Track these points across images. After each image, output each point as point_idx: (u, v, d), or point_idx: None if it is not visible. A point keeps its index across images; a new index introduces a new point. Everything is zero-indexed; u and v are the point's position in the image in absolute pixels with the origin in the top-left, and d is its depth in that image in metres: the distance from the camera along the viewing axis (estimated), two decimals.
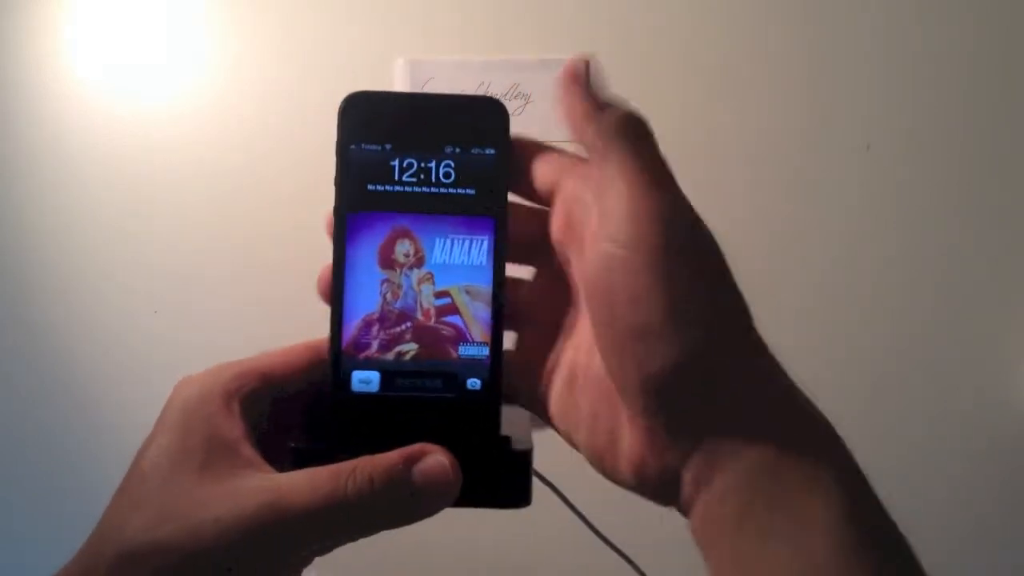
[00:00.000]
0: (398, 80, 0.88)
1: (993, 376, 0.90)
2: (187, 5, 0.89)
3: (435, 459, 0.30)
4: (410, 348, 0.33)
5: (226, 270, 0.91)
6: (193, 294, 0.91)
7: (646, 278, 0.28)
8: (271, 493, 0.29)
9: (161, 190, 0.91)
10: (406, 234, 0.33)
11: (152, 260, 0.91)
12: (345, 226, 0.33)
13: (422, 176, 0.33)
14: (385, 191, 0.33)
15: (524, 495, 0.32)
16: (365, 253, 0.33)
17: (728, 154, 0.89)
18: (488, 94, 0.88)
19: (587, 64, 0.34)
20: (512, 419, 0.34)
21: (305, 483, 0.29)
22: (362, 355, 0.33)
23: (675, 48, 0.89)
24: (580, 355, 0.33)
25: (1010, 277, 0.89)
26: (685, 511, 0.30)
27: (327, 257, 0.34)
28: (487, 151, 0.34)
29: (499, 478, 0.32)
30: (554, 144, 0.34)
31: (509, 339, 0.35)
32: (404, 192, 0.33)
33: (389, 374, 0.33)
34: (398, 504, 0.30)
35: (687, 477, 0.29)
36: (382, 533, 0.30)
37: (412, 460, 0.30)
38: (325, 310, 0.34)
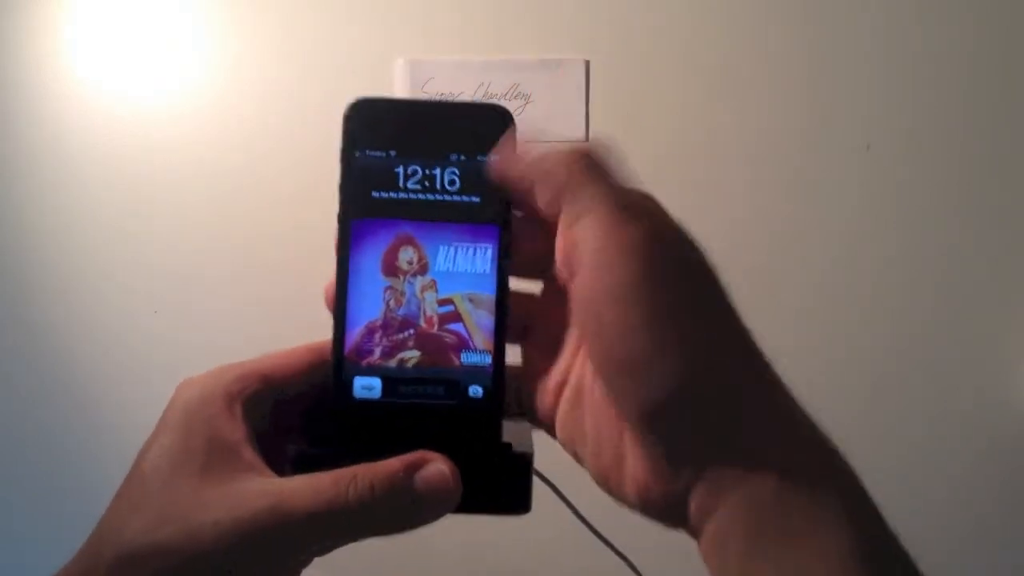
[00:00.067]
0: (398, 80, 0.88)
1: (993, 376, 0.90)
2: (187, 5, 0.89)
3: (436, 467, 0.30)
4: (412, 355, 0.33)
5: (226, 270, 0.91)
6: (193, 294, 0.91)
7: (629, 312, 0.28)
8: (272, 497, 0.29)
9: (161, 190, 0.91)
10: (410, 241, 0.33)
11: (152, 260, 0.91)
12: (349, 233, 0.33)
13: (426, 183, 0.33)
14: (389, 198, 0.33)
15: (524, 502, 0.32)
16: (369, 260, 0.33)
17: (728, 154, 0.89)
18: (488, 94, 0.88)
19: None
20: (515, 430, 0.34)
21: (306, 488, 0.29)
22: (364, 361, 0.33)
23: (675, 48, 0.89)
24: (586, 373, 0.32)
25: (1010, 277, 0.89)
26: (693, 535, 0.29)
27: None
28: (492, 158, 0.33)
29: (499, 485, 0.32)
30: (555, 144, 0.34)
31: (516, 353, 0.35)
32: (408, 199, 0.33)
33: (391, 381, 0.33)
34: (398, 511, 0.30)
35: (692, 504, 0.28)
36: None
37: (413, 467, 0.30)
38: (325, 311, 0.34)
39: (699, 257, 0.31)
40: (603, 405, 0.31)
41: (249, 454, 0.31)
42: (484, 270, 0.33)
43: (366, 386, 0.33)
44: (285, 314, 0.89)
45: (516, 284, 0.34)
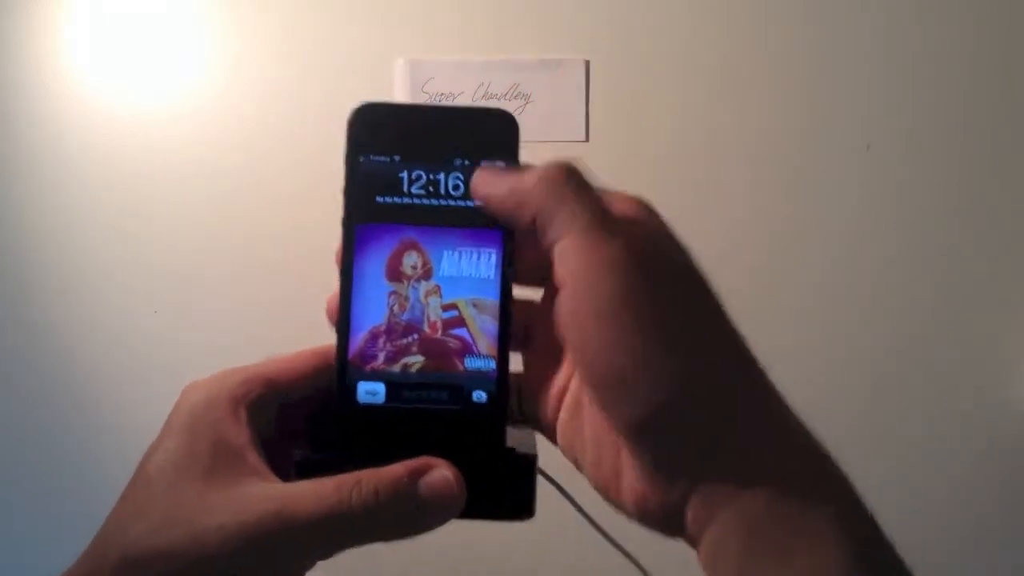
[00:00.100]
0: (398, 80, 0.88)
1: (993, 376, 0.90)
2: (187, 5, 0.89)
3: (440, 473, 0.30)
4: (416, 360, 0.33)
5: (226, 270, 0.91)
6: (193, 294, 0.91)
7: (610, 328, 0.28)
8: (275, 502, 0.29)
9: (161, 190, 0.91)
10: (414, 246, 0.33)
11: (152, 260, 0.91)
12: (353, 238, 0.33)
13: (431, 188, 0.33)
14: (394, 203, 0.33)
15: (528, 508, 0.33)
16: (373, 265, 0.33)
17: (728, 154, 0.89)
18: (488, 94, 0.88)
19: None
20: (519, 436, 0.34)
21: (310, 493, 0.29)
22: (368, 366, 0.33)
23: (675, 48, 0.89)
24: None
25: (1010, 277, 0.89)
26: (692, 545, 0.29)
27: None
28: (497, 163, 0.33)
29: (503, 491, 0.32)
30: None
31: (517, 360, 0.35)
32: (413, 204, 0.33)
33: (395, 386, 0.33)
34: (402, 517, 0.30)
35: (688, 516, 0.28)
36: None
37: (417, 473, 0.30)
38: (324, 311, 0.34)
39: (684, 267, 0.30)
40: (601, 415, 0.31)
41: (254, 458, 0.31)
42: (488, 275, 0.33)
43: (370, 391, 0.33)
44: (285, 314, 0.89)
45: (518, 291, 0.34)
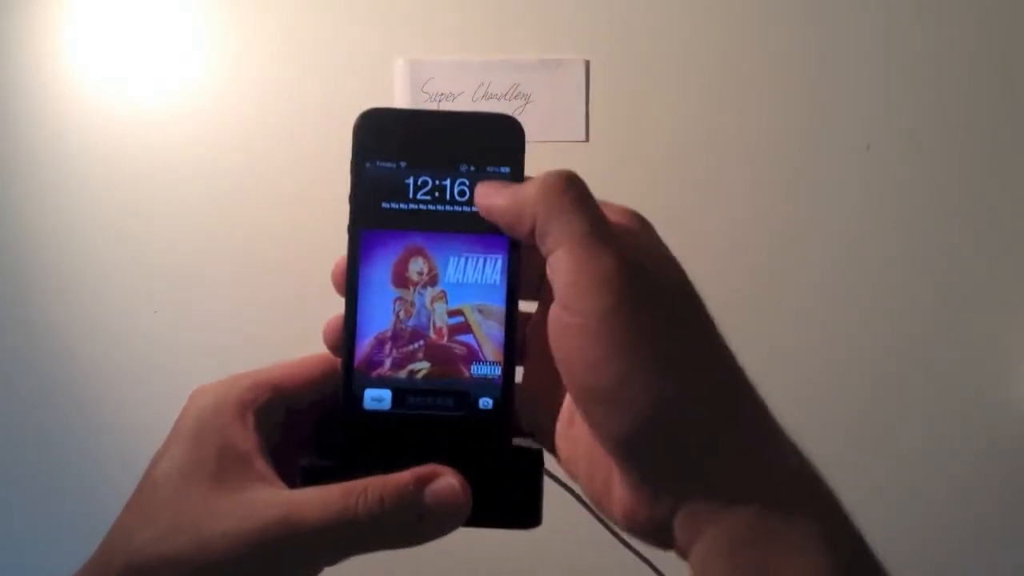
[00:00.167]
0: (398, 80, 0.88)
1: (993, 376, 0.90)
2: (187, 5, 0.89)
3: (446, 481, 0.30)
4: (422, 366, 0.33)
5: (226, 270, 0.91)
6: (193, 294, 0.91)
7: (596, 343, 0.28)
8: (282, 508, 0.29)
9: (161, 190, 0.91)
10: (420, 252, 0.33)
11: (152, 260, 0.91)
12: (359, 244, 0.33)
13: (437, 194, 0.33)
14: (399, 209, 0.33)
15: (534, 516, 0.33)
16: (379, 271, 0.33)
17: (728, 154, 0.89)
18: (488, 94, 0.88)
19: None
20: (525, 444, 0.34)
21: (316, 500, 0.29)
22: (374, 373, 0.33)
23: (675, 48, 0.89)
24: None
25: (1010, 277, 0.89)
26: (682, 558, 0.29)
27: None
28: (502, 169, 0.33)
29: (509, 499, 0.32)
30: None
31: (517, 371, 0.35)
32: (418, 210, 0.33)
33: (401, 392, 0.33)
34: (408, 525, 0.30)
35: (676, 530, 0.29)
36: None
37: (423, 481, 0.30)
38: (325, 311, 0.34)
39: (675, 284, 0.30)
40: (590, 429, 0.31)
41: (260, 464, 0.31)
42: (494, 281, 0.33)
43: (376, 397, 0.33)
44: (285, 314, 0.89)
45: (521, 303, 0.34)
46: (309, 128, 0.88)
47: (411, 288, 0.33)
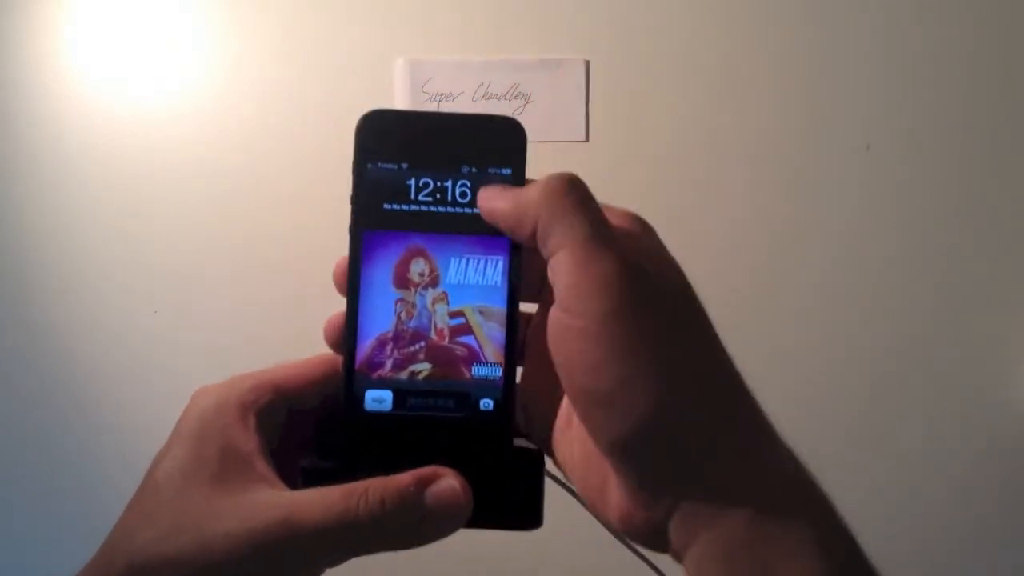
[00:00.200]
0: (398, 80, 0.88)
1: (993, 376, 0.90)
2: (187, 5, 0.90)
3: (447, 483, 0.30)
4: (423, 368, 0.33)
5: (226, 270, 0.91)
6: (193, 294, 0.91)
7: (596, 347, 0.28)
8: (283, 509, 0.29)
9: (161, 190, 0.91)
10: (421, 253, 0.33)
11: (152, 260, 0.91)
12: (360, 245, 0.33)
13: (438, 195, 0.33)
14: (401, 210, 0.33)
15: (535, 517, 0.33)
16: (380, 272, 0.33)
17: (728, 154, 0.89)
18: (488, 94, 0.88)
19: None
20: (526, 446, 0.34)
21: (317, 501, 0.29)
22: (375, 374, 0.33)
23: (675, 48, 0.89)
24: None
25: (1010, 277, 0.89)
26: (677, 561, 0.30)
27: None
28: (504, 171, 0.33)
29: (510, 500, 0.32)
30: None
31: (517, 372, 0.35)
32: (420, 211, 0.33)
33: (402, 393, 0.33)
34: (408, 526, 0.30)
35: (672, 533, 0.29)
36: None
37: (424, 483, 0.30)
38: (325, 311, 0.34)
39: (675, 288, 0.30)
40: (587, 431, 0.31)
41: (262, 465, 0.31)
42: (495, 282, 0.33)
43: (377, 398, 0.33)
44: (285, 314, 0.89)
45: (522, 304, 0.34)
46: (309, 128, 0.88)
47: (412, 289, 0.33)
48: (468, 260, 0.33)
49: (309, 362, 0.35)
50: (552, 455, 0.34)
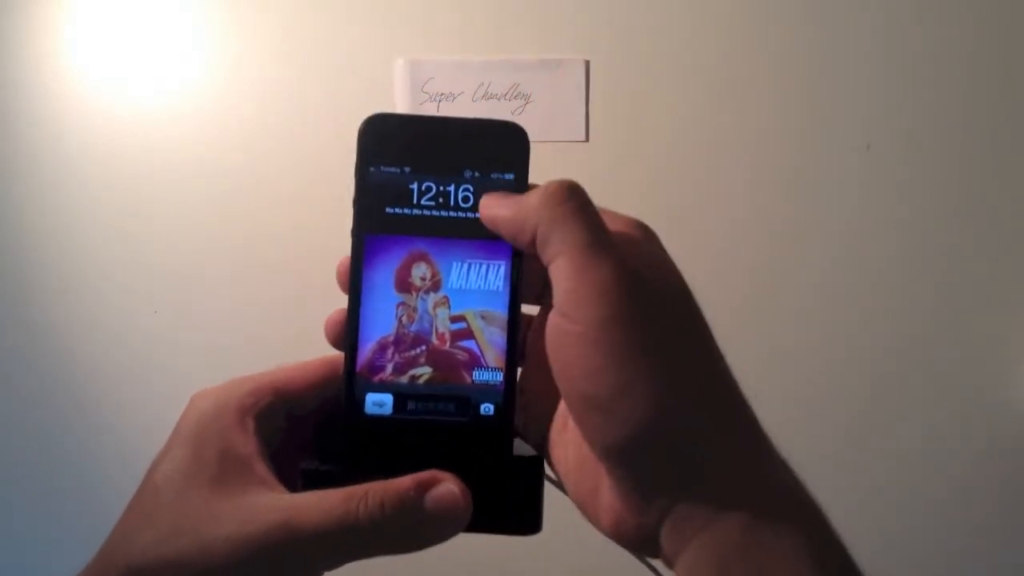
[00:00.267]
0: (398, 80, 0.88)
1: (993, 376, 0.90)
2: (187, 5, 0.90)
3: (447, 487, 0.30)
4: (424, 372, 0.33)
5: (226, 270, 0.91)
6: (193, 294, 0.91)
7: (595, 352, 0.28)
8: (282, 513, 0.29)
9: (161, 190, 0.91)
10: (423, 258, 0.33)
11: (152, 260, 0.91)
12: (363, 248, 0.33)
13: (440, 200, 0.33)
14: (403, 214, 0.33)
15: (535, 523, 0.33)
16: (382, 276, 0.33)
17: (728, 154, 0.89)
18: (488, 94, 0.88)
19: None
20: (527, 451, 0.34)
21: (317, 505, 0.29)
22: (376, 378, 0.33)
23: (675, 48, 0.89)
24: None
25: (1010, 277, 0.89)
26: (669, 567, 0.30)
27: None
28: (506, 176, 0.33)
29: (510, 505, 0.32)
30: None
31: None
32: (422, 216, 0.33)
33: (403, 397, 0.33)
34: (408, 530, 0.30)
35: (664, 539, 0.29)
36: None
37: (424, 487, 0.30)
38: (325, 311, 0.34)
39: (675, 294, 0.30)
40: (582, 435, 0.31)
41: (261, 468, 0.31)
42: (497, 287, 0.33)
43: (377, 402, 0.33)
44: (285, 314, 0.89)
45: (522, 308, 0.34)
46: (309, 128, 0.88)
47: (414, 293, 0.33)
48: (470, 264, 0.33)
49: (308, 365, 0.35)
50: (547, 457, 0.34)
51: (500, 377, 0.33)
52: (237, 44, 0.90)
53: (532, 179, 0.34)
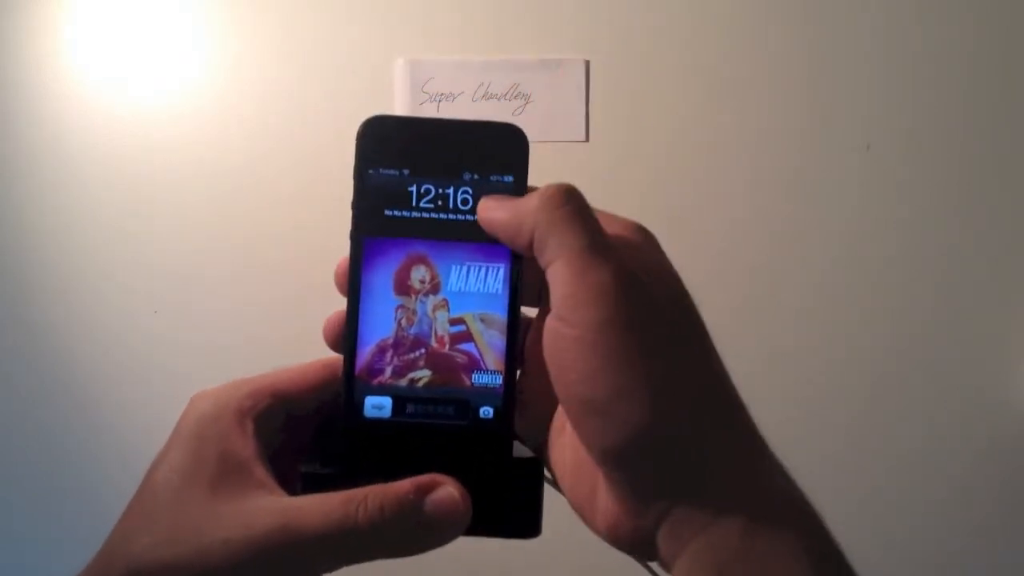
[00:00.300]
0: (398, 80, 0.88)
1: (993, 376, 0.90)
2: (187, 5, 0.90)
3: (446, 491, 0.30)
4: (423, 375, 0.33)
5: (226, 270, 0.91)
6: (193, 294, 0.91)
7: (592, 356, 0.28)
8: (282, 516, 0.29)
9: (161, 190, 0.91)
10: (422, 260, 0.33)
11: (152, 260, 0.91)
12: (361, 251, 0.33)
13: (440, 202, 0.33)
14: (402, 217, 0.33)
15: (534, 526, 0.33)
16: (381, 278, 0.33)
17: (728, 154, 0.89)
18: (488, 94, 0.88)
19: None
20: (526, 454, 0.34)
21: (316, 508, 0.29)
22: (375, 380, 0.33)
23: (675, 48, 0.89)
24: None
25: (1010, 277, 0.89)
26: (666, 571, 0.30)
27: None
28: (505, 178, 0.33)
29: (509, 509, 0.32)
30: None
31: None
32: (421, 218, 0.33)
33: (402, 400, 0.33)
34: (408, 534, 0.30)
35: (660, 543, 0.29)
36: None
37: (424, 490, 0.30)
38: (324, 311, 0.34)
39: (673, 297, 0.30)
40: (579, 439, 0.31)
41: (260, 471, 0.31)
42: (496, 290, 0.33)
43: (376, 405, 0.33)
44: (285, 314, 0.89)
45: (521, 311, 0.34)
46: (309, 128, 0.88)
47: (413, 296, 0.33)
48: (469, 267, 0.33)
49: (308, 367, 0.35)
50: (545, 459, 0.34)
51: (499, 380, 0.33)
52: (237, 44, 0.90)
53: (532, 179, 0.33)
